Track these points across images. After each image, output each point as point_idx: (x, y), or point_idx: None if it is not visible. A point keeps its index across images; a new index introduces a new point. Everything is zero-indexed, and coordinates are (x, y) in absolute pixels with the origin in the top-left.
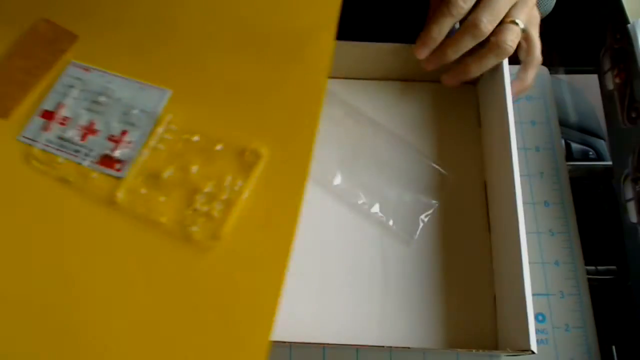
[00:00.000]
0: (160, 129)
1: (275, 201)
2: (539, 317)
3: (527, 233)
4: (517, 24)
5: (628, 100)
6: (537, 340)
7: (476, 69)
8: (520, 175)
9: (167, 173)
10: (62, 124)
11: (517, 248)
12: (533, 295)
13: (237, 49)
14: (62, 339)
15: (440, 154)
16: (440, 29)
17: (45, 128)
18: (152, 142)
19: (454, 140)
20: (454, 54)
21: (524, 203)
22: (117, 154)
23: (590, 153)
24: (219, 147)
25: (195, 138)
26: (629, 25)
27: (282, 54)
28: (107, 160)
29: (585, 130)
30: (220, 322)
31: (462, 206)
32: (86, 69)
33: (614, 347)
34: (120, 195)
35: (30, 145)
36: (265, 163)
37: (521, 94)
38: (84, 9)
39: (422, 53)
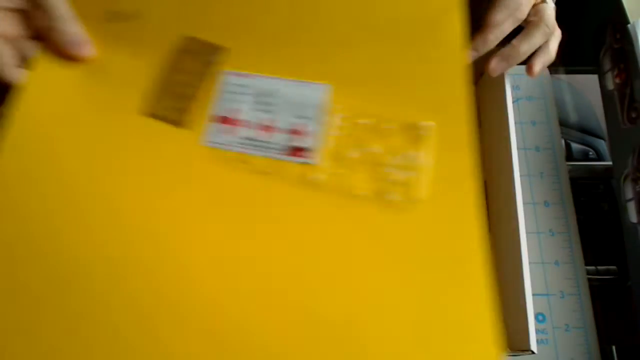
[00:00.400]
0: (334, 117)
1: (451, 166)
2: (539, 317)
3: (527, 233)
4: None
5: (628, 101)
6: (537, 340)
7: (527, 50)
8: (520, 175)
9: (352, 153)
10: (240, 125)
11: (518, 248)
12: (533, 295)
13: (378, 37)
14: (304, 313)
15: None
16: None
17: (225, 131)
18: (331, 129)
19: None
20: (528, 50)
21: (524, 203)
22: (302, 144)
23: (590, 153)
24: (390, 125)
25: (368, 121)
26: (629, 25)
27: (421, 36)
28: (295, 151)
29: (585, 130)
30: (437, 283)
31: None
32: (244, 76)
33: (614, 348)
34: (319, 177)
35: (216, 148)
36: (434, 134)
37: (545, 67)
38: (227, 23)
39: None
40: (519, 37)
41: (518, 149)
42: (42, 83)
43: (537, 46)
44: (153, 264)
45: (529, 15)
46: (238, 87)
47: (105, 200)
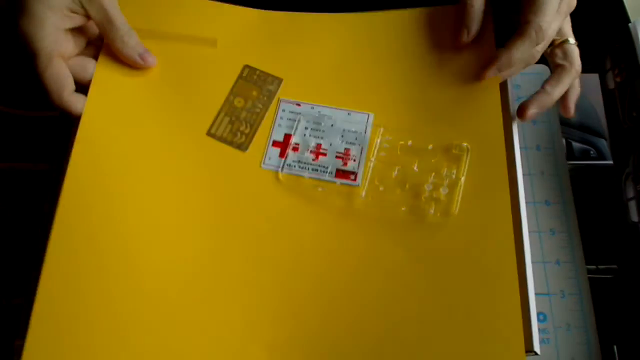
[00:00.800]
0: (377, 141)
1: (485, 183)
2: (540, 317)
3: (528, 232)
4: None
5: (629, 100)
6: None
7: (559, 94)
8: (522, 175)
9: (394, 173)
10: (294, 149)
11: (520, 248)
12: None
13: (416, 67)
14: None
15: None
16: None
17: (282, 155)
18: (375, 152)
19: None
20: (560, 94)
21: (525, 202)
22: (348, 167)
23: (592, 152)
24: (429, 147)
25: (409, 143)
26: (630, 24)
27: (455, 70)
28: (342, 173)
29: (586, 129)
30: (468, 285)
31: None
32: (297, 104)
33: (615, 347)
34: (364, 194)
35: (274, 170)
36: (468, 154)
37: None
38: (283, 56)
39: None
40: (551, 83)
41: (519, 148)
42: (103, 101)
43: (567, 89)
44: (216, 269)
45: (556, 56)
46: (291, 114)
47: (173, 215)
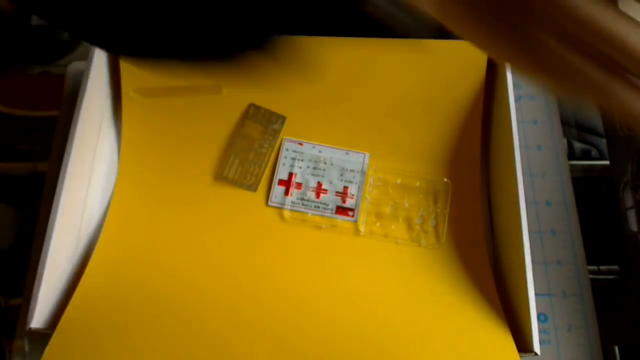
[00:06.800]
0: (371, 180)
1: (465, 212)
2: (541, 317)
3: (529, 233)
4: None
5: None
6: (539, 341)
7: None
8: (522, 175)
9: (388, 209)
10: (297, 188)
11: (521, 248)
12: (535, 295)
13: (406, 115)
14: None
15: None
16: None
17: (286, 193)
18: (369, 190)
19: None
20: None
21: (526, 202)
22: (346, 204)
23: (593, 152)
24: (417, 184)
25: (399, 181)
26: None
27: (443, 117)
28: (341, 210)
29: (587, 129)
30: (459, 300)
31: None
32: (300, 143)
33: (616, 348)
34: (363, 229)
35: (280, 207)
36: (452, 189)
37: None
38: (282, 95)
39: None
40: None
41: (520, 148)
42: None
43: None
44: (233, 299)
45: None
46: (294, 154)
47: (191, 250)
